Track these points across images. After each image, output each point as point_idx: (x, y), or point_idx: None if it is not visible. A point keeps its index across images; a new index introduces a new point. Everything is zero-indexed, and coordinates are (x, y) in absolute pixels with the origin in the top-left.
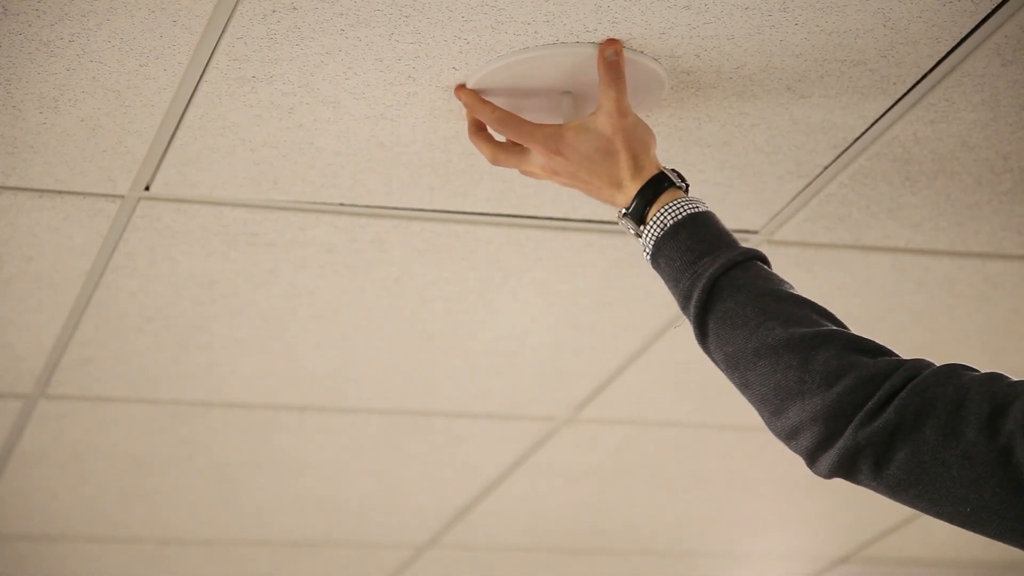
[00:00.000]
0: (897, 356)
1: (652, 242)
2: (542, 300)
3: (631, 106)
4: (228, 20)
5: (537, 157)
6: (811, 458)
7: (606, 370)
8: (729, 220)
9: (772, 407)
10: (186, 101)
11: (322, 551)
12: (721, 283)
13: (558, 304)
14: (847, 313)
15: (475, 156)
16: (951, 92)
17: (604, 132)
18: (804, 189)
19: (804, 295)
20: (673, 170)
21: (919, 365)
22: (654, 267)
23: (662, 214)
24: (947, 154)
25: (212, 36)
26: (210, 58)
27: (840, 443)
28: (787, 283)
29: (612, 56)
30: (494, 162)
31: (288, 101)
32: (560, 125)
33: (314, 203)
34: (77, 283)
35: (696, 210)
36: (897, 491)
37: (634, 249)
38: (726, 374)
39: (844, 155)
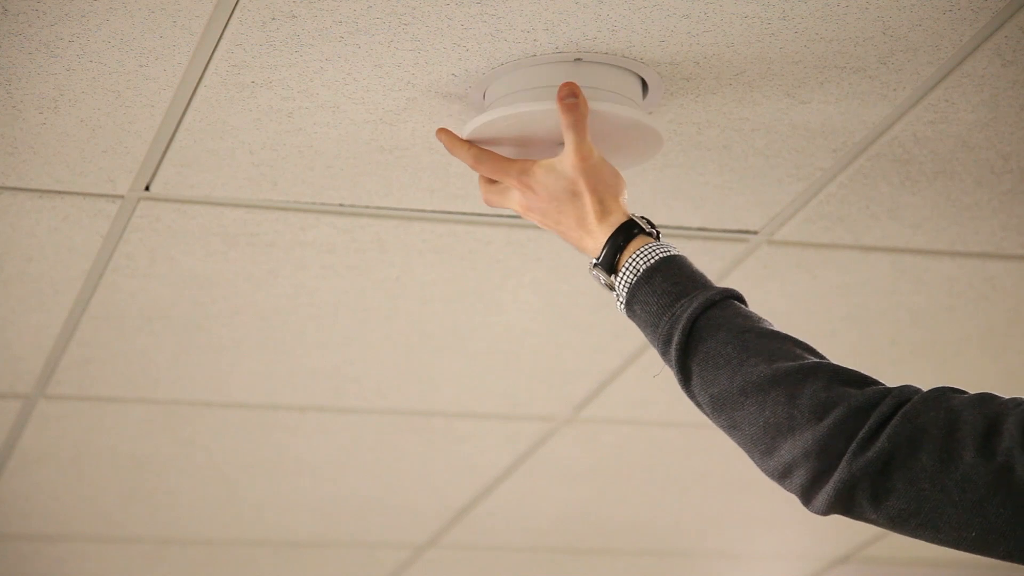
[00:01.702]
0: (883, 385)
1: (626, 289)
2: (542, 300)
3: (594, 149)
4: (227, 22)
5: (515, 194)
6: (807, 496)
7: (606, 370)
8: (729, 221)
9: (763, 446)
10: (186, 102)
11: (322, 551)
12: (700, 324)
13: (558, 304)
14: (847, 313)
15: None
16: (951, 92)
17: (568, 173)
18: (804, 189)
19: (784, 331)
20: (643, 217)
21: (907, 391)
22: (629, 316)
23: (634, 259)
24: (947, 154)
25: (212, 37)
26: (209, 61)
27: (836, 477)
28: (766, 320)
29: (569, 99)
30: (487, 202)
31: (287, 106)
32: (532, 161)
33: (314, 203)
34: (77, 283)
35: (668, 253)
36: (898, 522)
37: None
38: (713, 419)
39: (843, 156)
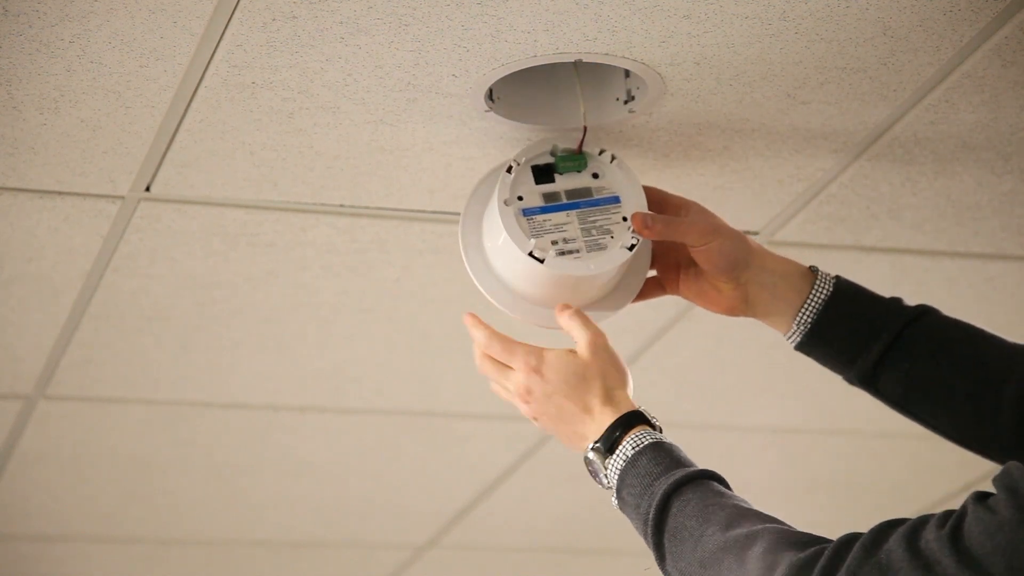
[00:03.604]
0: (827, 543)
1: (616, 474)
2: None
3: (602, 333)
4: (228, 23)
5: (516, 375)
6: None
7: None
8: (730, 221)
9: None
10: (186, 102)
11: (322, 551)
12: (672, 500)
13: None
14: None
15: (474, 160)
16: (951, 93)
17: (583, 358)
18: (804, 190)
19: (754, 507)
20: (644, 410)
21: (848, 541)
22: (620, 506)
23: (625, 446)
24: (947, 155)
25: (212, 37)
26: (209, 62)
27: None
28: (738, 497)
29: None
30: (480, 368)
31: (288, 106)
32: (543, 348)
33: (314, 204)
34: (77, 284)
35: (659, 439)
36: None
37: None
38: None
39: (844, 156)
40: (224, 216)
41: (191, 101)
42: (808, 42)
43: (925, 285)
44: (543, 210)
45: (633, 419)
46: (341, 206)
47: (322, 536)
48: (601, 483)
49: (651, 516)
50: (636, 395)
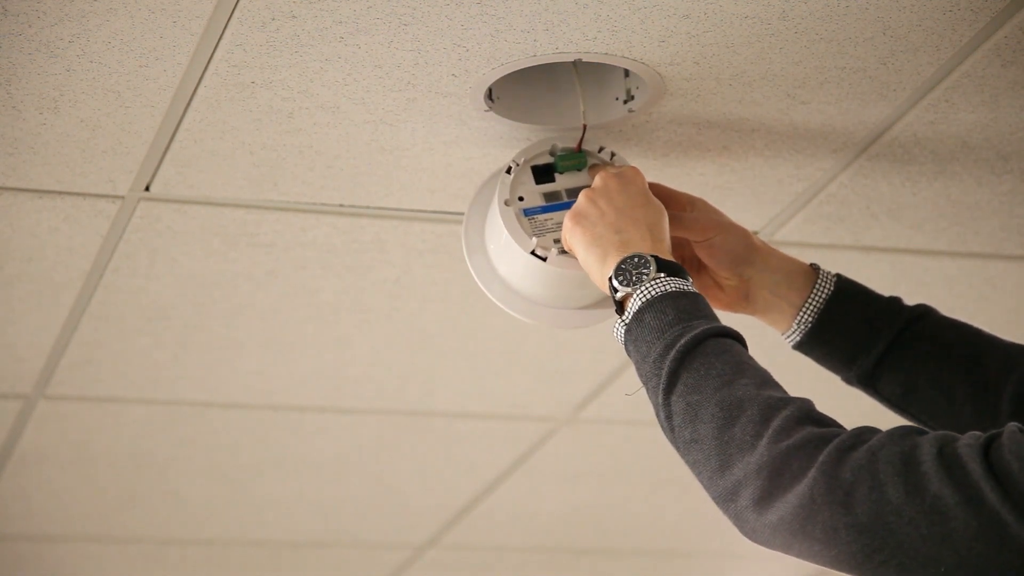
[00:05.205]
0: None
1: (662, 287)
2: None
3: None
4: (227, 22)
5: (597, 179)
6: (759, 509)
7: (606, 370)
8: None
9: (718, 462)
10: (186, 102)
11: (322, 551)
12: (710, 340)
13: None
14: None
15: (473, 160)
16: (951, 93)
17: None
18: (804, 190)
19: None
20: None
21: (870, 428)
22: (636, 312)
23: (686, 281)
24: (947, 155)
25: (212, 37)
26: (209, 62)
27: (789, 497)
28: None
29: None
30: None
31: (287, 106)
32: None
33: (314, 204)
34: (77, 283)
35: (699, 293)
36: (860, 558)
37: None
38: (677, 431)
39: (843, 156)
40: (224, 216)
41: (191, 101)
42: (808, 42)
43: (925, 285)
44: (544, 209)
45: (684, 274)
46: (341, 206)
47: (322, 536)
48: (617, 282)
49: (683, 343)
50: (636, 395)
